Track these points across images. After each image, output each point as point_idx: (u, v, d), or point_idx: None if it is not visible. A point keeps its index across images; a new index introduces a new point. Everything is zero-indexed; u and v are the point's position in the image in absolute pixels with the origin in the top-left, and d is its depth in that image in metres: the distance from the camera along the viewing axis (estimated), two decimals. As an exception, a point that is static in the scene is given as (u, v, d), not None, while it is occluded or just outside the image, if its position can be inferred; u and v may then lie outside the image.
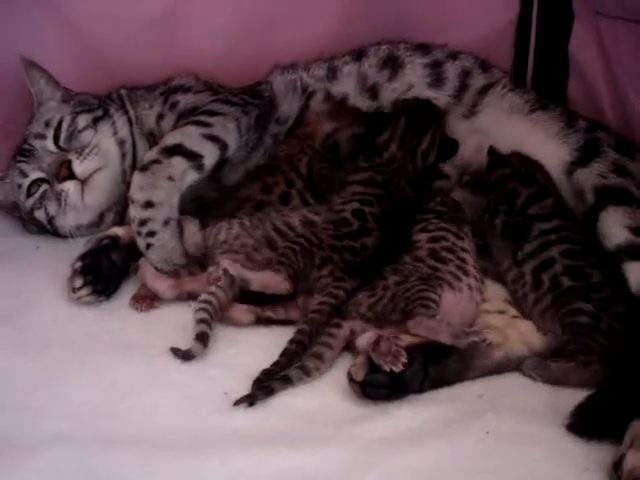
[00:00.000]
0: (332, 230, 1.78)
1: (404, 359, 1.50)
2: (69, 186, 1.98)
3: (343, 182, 1.90)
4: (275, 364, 1.57)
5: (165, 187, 1.83)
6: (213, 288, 1.68)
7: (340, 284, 1.70)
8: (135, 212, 1.83)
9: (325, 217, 1.83)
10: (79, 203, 1.99)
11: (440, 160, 1.93)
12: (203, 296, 1.68)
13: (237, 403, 1.50)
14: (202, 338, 1.62)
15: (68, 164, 1.97)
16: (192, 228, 1.83)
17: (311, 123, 2.04)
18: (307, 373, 1.56)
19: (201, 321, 1.63)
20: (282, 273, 1.68)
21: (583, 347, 1.61)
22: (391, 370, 1.49)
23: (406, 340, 1.57)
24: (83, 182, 1.98)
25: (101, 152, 2.02)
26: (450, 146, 1.95)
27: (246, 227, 1.80)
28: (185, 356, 1.60)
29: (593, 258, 1.74)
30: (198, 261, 1.82)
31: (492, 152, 1.91)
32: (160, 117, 2.10)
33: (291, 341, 1.61)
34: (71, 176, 1.97)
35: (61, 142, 2.03)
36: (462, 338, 1.55)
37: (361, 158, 1.92)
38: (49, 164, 2.01)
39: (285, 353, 1.59)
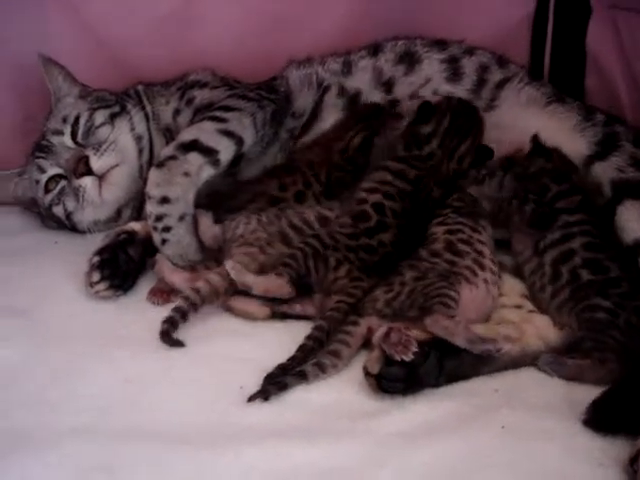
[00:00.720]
0: (350, 227, 1.77)
1: (414, 348, 1.50)
2: (87, 182, 1.99)
3: (377, 166, 1.89)
4: (291, 359, 1.57)
5: (181, 183, 1.84)
6: (211, 275, 1.70)
7: (358, 284, 1.70)
8: (151, 208, 1.84)
9: (345, 209, 1.83)
10: (97, 199, 2.00)
11: (473, 166, 1.91)
12: (196, 284, 1.69)
13: (251, 399, 1.50)
14: (171, 322, 1.64)
15: (86, 160, 1.98)
16: (207, 221, 1.83)
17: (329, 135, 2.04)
18: (323, 370, 1.56)
19: (175, 310, 1.66)
20: (284, 277, 1.68)
21: (599, 344, 1.60)
22: (407, 364, 1.49)
23: (422, 335, 1.57)
24: (100, 178, 1.99)
25: (118, 148, 2.03)
26: (485, 153, 1.92)
27: (263, 222, 1.80)
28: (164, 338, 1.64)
29: (612, 252, 1.73)
30: (214, 256, 1.83)
31: (535, 141, 1.91)
32: (176, 112, 2.11)
33: (308, 337, 1.61)
34: (89, 172, 1.98)
35: (79, 138, 2.04)
36: (477, 344, 1.54)
37: (400, 146, 1.90)
38: (67, 160, 2.02)
39: (302, 349, 1.59)
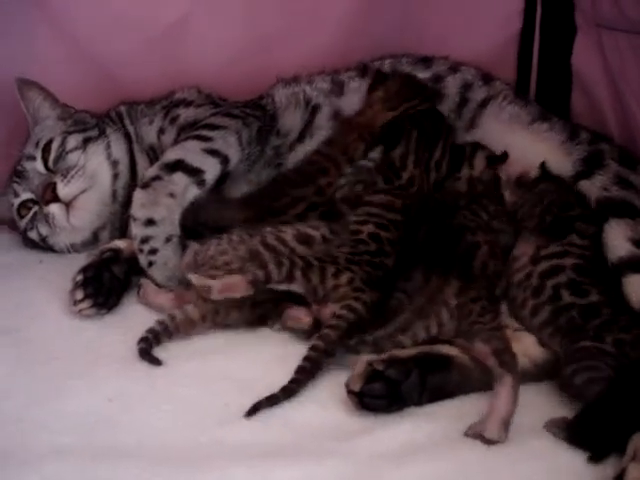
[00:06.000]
0: (349, 247, 1.75)
1: None
2: (54, 209, 1.97)
3: (360, 201, 1.87)
4: (292, 381, 1.55)
5: (166, 204, 1.83)
6: (188, 306, 1.70)
7: (359, 295, 1.65)
8: (137, 230, 1.83)
9: (340, 237, 1.80)
10: (65, 224, 1.98)
11: (453, 168, 1.92)
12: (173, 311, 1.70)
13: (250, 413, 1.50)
14: (145, 341, 1.65)
15: (53, 187, 1.97)
16: (195, 247, 1.80)
17: (368, 112, 2.02)
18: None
19: (149, 331, 1.67)
20: (247, 275, 1.66)
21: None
22: (388, 380, 1.49)
23: (404, 352, 1.57)
24: (68, 205, 1.97)
25: (87, 173, 2.00)
26: (459, 152, 1.95)
27: (233, 242, 1.77)
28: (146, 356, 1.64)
29: (600, 284, 1.72)
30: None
31: (543, 167, 1.94)
32: (161, 132, 2.09)
33: (305, 358, 1.58)
34: (55, 199, 1.97)
35: (50, 164, 2.02)
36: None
37: (380, 180, 1.89)
38: (37, 186, 2.01)
39: (300, 371, 1.56)
